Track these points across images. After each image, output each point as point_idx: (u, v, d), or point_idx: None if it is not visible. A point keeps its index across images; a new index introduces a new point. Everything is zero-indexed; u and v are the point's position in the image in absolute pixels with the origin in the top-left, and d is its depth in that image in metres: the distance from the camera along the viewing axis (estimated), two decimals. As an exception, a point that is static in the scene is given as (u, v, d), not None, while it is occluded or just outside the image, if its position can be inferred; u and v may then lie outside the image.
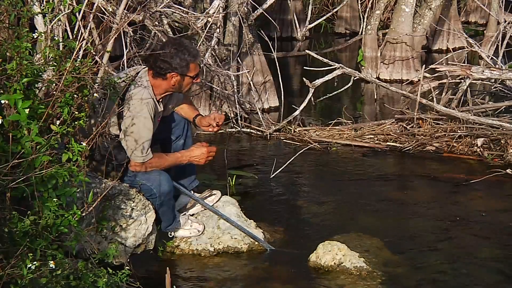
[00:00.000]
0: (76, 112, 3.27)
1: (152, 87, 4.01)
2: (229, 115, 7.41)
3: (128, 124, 3.88)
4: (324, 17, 12.07)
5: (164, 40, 6.75)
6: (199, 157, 4.22)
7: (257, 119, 7.30)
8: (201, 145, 4.27)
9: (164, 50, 3.95)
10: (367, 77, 7.59)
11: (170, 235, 4.43)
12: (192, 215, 4.57)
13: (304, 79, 7.11)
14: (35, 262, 2.80)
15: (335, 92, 7.59)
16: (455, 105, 6.78)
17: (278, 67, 7.60)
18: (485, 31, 10.60)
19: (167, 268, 3.33)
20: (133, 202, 3.99)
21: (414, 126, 6.75)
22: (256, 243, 4.48)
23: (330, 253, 4.25)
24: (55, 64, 3.39)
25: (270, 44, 7.90)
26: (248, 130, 7.12)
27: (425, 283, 4.15)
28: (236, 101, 7.32)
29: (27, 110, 2.95)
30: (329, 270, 4.21)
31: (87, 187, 3.45)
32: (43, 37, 3.45)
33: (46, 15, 3.84)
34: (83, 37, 4.02)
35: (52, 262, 2.91)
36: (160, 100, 4.10)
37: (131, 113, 3.87)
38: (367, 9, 11.60)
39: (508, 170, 5.87)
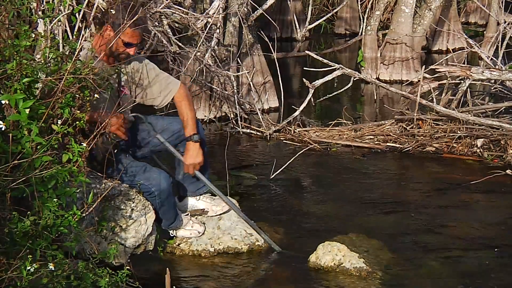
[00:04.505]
0: (78, 112, 3.26)
1: (96, 47, 3.95)
2: (229, 115, 7.42)
3: None
4: (324, 18, 12.07)
5: (163, 40, 6.77)
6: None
7: (257, 120, 7.30)
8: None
9: (118, 4, 3.92)
10: (367, 78, 7.59)
11: (172, 234, 4.44)
12: (194, 216, 4.57)
13: (304, 79, 7.11)
14: (34, 264, 2.80)
15: (335, 93, 7.59)
16: (455, 106, 6.77)
17: (278, 68, 7.60)
18: (485, 32, 10.60)
19: (167, 268, 3.34)
20: (133, 202, 3.99)
21: (414, 126, 6.75)
22: (257, 243, 4.49)
23: (330, 254, 4.25)
24: (55, 64, 3.39)
25: (270, 45, 7.90)
26: (248, 130, 7.12)
27: (425, 283, 4.16)
28: (236, 101, 7.32)
29: (27, 110, 2.95)
30: (329, 270, 4.21)
31: (87, 188, 3.45)
32: (43, 37, 3.45)
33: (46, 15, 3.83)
34: (83, 37, 4.00)
35: (51, 263, 2.91)
36: (110, 58, 4.01)
37: None
38: (367, 10, 11.59)
39: (508, 171, 5.88)
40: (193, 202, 4.55)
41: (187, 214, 4.49)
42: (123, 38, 3.95)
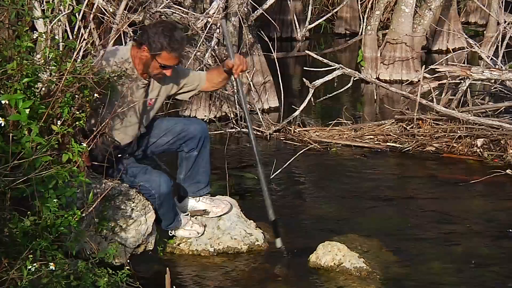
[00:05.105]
0: (78, 112, 3.27)
1: (133, 58, 3.98)
2: (229, 115, 7.41)
3: None
4: (324, 18, 12.07)
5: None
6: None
7: (257, 120, 7.29)
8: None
9: (156, 25, 3.94)
10: (367, 78, 7.60)
11: (170, 233, 4.44)
12: (194, 216, 4.56)
13: (304, 79, 7.11)
14: (34, 264, 2.80)
15: (335, 93, 7.59)
16: (455, 106, 6.78)
17: (278, 68, 7.60)
18: (485, 32, 10.61)
19: (167, 268, 3.33)
20: (133, 202, 3.99)
21: (414, 126, 6.75)
22: (257, 243, 4.49)
23: (330, 254, 4.25)
24: (55, 64, 3.39)
25: (270, 45, 7.90)
26: (248, 130, 7.12)
27: (425, 283, 4.15)
28: (236, 101, 7.32)
29: (27, 110, 2.95)
30: (329, 270, 4.21)
31: (87, 188, 3.46)
32: (43, 37, 3.45)
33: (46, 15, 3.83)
34: (83, 37, 4.01)
35: (52, 264, 2.91)
36: (144, 74, 4.04)
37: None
38: (367, 10, 11.60)
39: (508, 171, 5.88)
40: (193, 203, 4.55)
41: (187, 214, 4.48)
42: (160, 61, 3.93)
